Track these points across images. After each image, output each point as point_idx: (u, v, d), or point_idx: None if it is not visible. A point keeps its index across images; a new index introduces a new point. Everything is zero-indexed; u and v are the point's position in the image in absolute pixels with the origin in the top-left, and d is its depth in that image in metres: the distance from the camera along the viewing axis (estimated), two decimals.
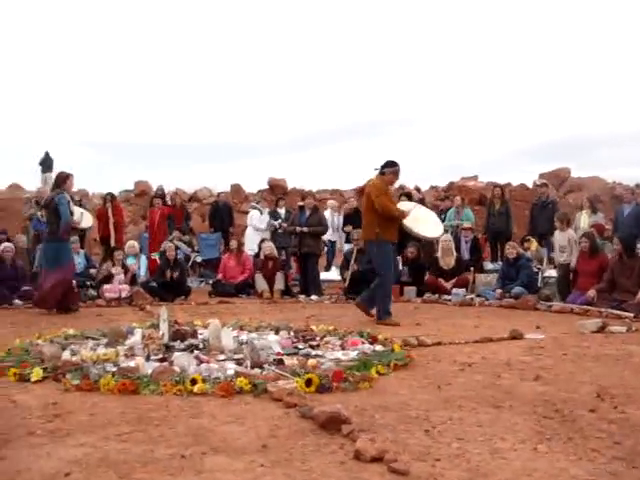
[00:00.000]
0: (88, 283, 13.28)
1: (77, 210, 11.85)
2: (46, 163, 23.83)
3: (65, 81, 66.61)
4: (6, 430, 3.85)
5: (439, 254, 13.01)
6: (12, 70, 64.47)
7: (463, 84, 69.91)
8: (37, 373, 5.19)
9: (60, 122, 58.63)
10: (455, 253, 13.08)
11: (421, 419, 4.00)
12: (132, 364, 5.34)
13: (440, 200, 18.72)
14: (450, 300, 11.66)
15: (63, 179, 10.75)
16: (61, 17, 68.31)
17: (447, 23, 69.86)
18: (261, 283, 12.98)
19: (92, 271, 13.84)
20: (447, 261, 12.88)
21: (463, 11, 66.84)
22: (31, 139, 47.56)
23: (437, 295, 12.19)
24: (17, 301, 11.92)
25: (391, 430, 3.76)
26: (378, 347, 6.29)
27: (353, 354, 5.94)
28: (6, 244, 12.91)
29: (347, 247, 14.82)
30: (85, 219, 12.18)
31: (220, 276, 13.91)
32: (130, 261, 13.58)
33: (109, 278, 12.86)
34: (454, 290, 12.04)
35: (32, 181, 25.61)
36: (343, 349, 6.25)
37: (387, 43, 68.66)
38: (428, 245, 13.76)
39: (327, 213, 15.98)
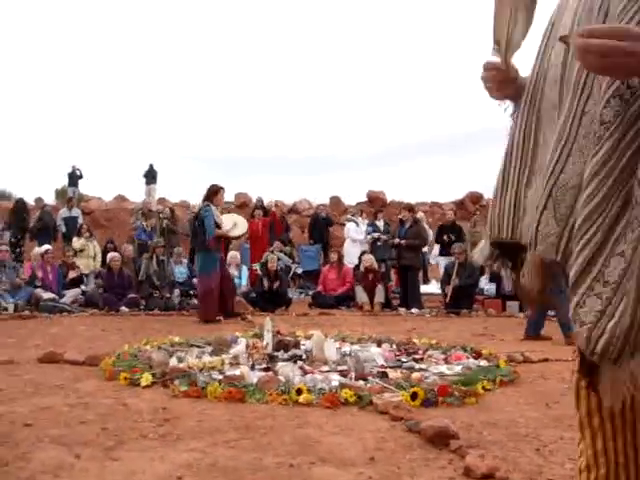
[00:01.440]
0: (191, 292, 13.61)
1: (229, 219, 11.99)
2: (150, 175, 24.62)
3: (170, 95, 68.66)
4: (120, 432, 3.97)
5: None
6: (121, 86, 66.93)
7: None
8: (147, 378, 5.34)
9: (164, 136, 60.34)
10: None
11: (531, 437, 3.91)
12: (237, 372, 5.41)
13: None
14: (555, 316, 11.33)
15: (214, 192, 11.03)
16: (167, 36, 70.42)
17: None
18: (361, 295, 12.97)
19: (194, 280, 14.17)
20: None
21: None
22: (136, 152, 49.10)
23: None
24: (124, 308, 12.33)
25: (500, 447, 3.69)
26: (482, 362, 6.19)
27: (457, 368, 5.86)
28: (114, 254, 13.39)
29: (444, 260, 14.69)
30: (238, 227, 12.18)
31: (320, 288, 13.98)
32: (232, 272, 13.82)
33: None
34: None
35: (137, 193, 26.45)
36: (447, 363, 6.18)
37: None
38: None
39: None
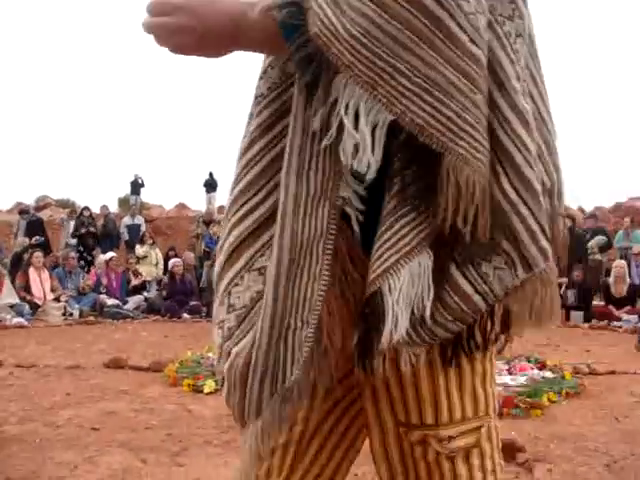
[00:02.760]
0: None
1: None
2: (210, 184, 24.90)
3: (228, 104, 69.41)
4: (184, 438, 4.01)
5: (611, 280, 12.38)
6: (181, 96, 67.94)
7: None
8: (210, 385, 5.38)
9: (223, 144, 61.04)
10: (628, 279, 12.41)
11: (600, 452, 3.81)
12: None
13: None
14: (621, 327, 11.08)
15: None
16: None
17: None
18: None
19: None
20: (619, 289, 12.19)
21: None
22: (196, 161, 49.79)
23: (606, 321, 11.62)
24: (186, 315, 12.47)
25: (568, 462, 3.61)
26: (547, 373, 6.07)
27: (521, 379, 5.76)
28: (176, 259, 13.56)
29: None
30: None
31: None
32: None
33: None
34: (625, 316, 11.45)
35: (197, 201, 26.82)
36: (510, 374, 6.07)
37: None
38: (594, 268, 13.18)
39: None
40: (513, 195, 1.10)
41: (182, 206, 28.34)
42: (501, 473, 1.28)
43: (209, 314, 12.73)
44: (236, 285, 1.21)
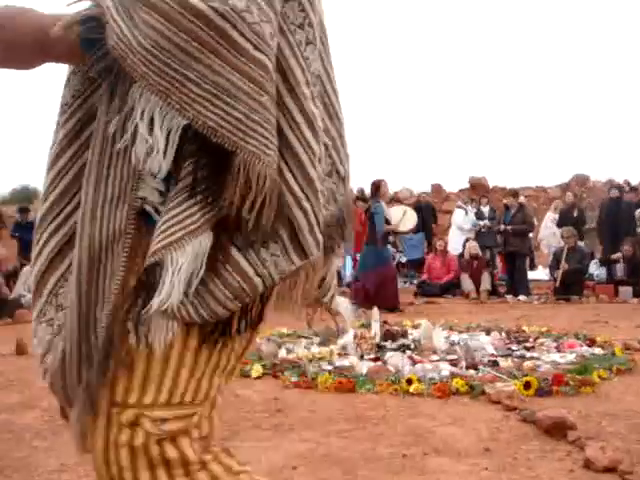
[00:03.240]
0: None
1: (397, 212, 11.80)
2: None
3: None
4: (233, 423, 4.04)
5: None
6: None
7: None
8: (257, 370, 5.41)
9: None
10: None
11: None
12: (347, 363, 5.43)
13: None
14: None
15: (376, 187, 11.08)
16: None
17: None
18: (467, 283, 12.77)
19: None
20: None
21: None
22: None
23: None
24: None
25: (621, 439, 3.55)
26: (597, 350, 6.00)
27: (571, 357, 5.70)
28: None
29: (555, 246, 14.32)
30: (407, 221, 11.88)
31: (425, 276, 13.86)
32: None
33: None
34: None
35: None
36: (559, 351, 6.02)
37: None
38: None
39: None
40: (297, 191, 1.22)
41: None
42: (213, 463, 1.31)
43: None
44: (61, 287, 1.32)
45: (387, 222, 10.94)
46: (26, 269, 11.48)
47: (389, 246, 15.85)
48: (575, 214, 15.52)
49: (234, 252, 1.20)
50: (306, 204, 1.23)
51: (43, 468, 3.16)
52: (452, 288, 13.18)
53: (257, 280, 1.20)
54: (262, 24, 1.14)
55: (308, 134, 1.24)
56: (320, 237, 1.25)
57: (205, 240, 1.16)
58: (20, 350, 6.61)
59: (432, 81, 71.54)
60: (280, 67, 1.21)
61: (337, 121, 1.38)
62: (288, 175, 1.22)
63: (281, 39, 1.21)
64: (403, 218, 11.57)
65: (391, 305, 10.53)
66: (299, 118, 1.23)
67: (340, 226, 1.35)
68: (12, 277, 11.84)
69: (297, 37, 1.25)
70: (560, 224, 15.10)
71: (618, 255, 12.37)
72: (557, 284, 12.16)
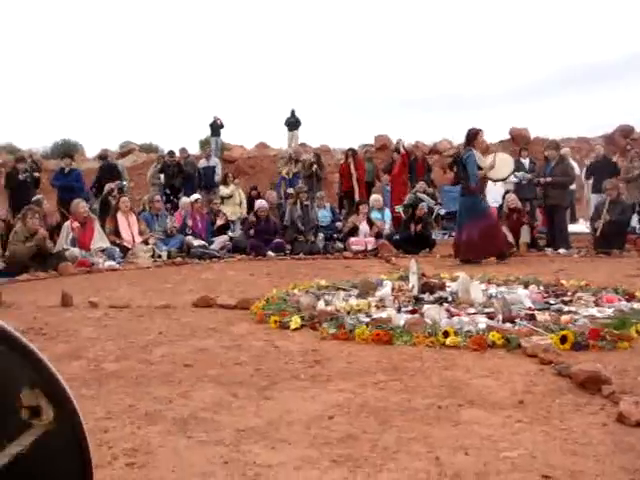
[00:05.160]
0: (335, 236, 13.83)
1: (489, 158, 11.45)
2: (294, 122, 24.88)
3: (305, 41, 68.80)
4: (272, 373, 4.13)
5: None
6: (256, 36, 67.62)
7: None
8: (296, 321, 5.50)
9: (302, 80, 60.77)
10: None
11: None
12: (384, 315, 5.48)
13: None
14: None
15: (474, 135, 11.10)
16: None
17: None
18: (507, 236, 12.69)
19: (338, 224, 14.38)
20: None
21: None
22: (274, 98, 49.75)
23: None
24: (270, 253, 12.69)
25: None
26: (636, 305, 5.95)
27: (609, 311, 5.68)
28: (260, 204, 13.76)
29: (595, 197, 14.13)
30: (503, 168, 11.28)
31: None
32: (375, 215, 13.89)
33: (354, 231, 13.29)
34: None
35: (278, 139, 26.94)
36: (597, 306, 5.99)
37: None
38: None
39: None
40: None
41: (263, 145, 28.55)
42: None
43: (293, 251, 12.96)
44: None
45: (480, 169, 10.83)
46: (67, 223, 11.70)
47: (427, 197, 15.81)
48: (608, 166, 15.25)
49: None
50: None
51: (91, 416, 3.27)
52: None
53: None
54: None
55: None
56: None
57: None
58: (65, 302, 6.79)
59: (471, 29, 70.27)
60: None
61: None
62: None
63: None
64: (497, 164, 11.13)
65: (497, 253, 10.66)
66: None
67: None
68: (55, 230, 12.07)
69: None
70: (590, 177, 14.90)
71: None
72: (597, 237, 12.03)
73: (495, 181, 12.06)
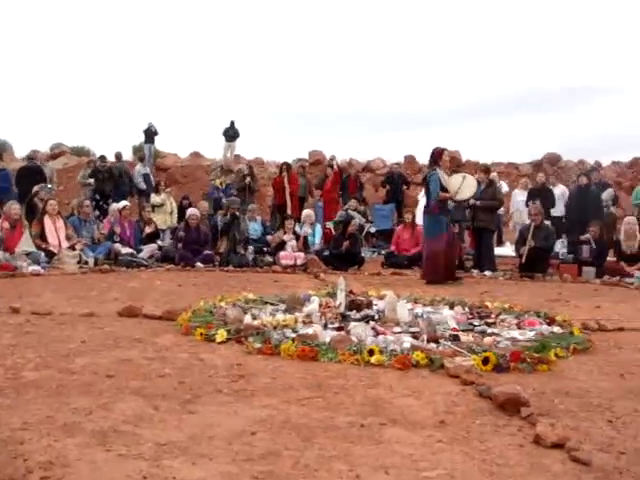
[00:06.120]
0: (265, 249, 13.80)
1: (457, 179, 11.27)
2: (231, 134, 24.76)
3: (244, 52, 68.78)
4: (196, 386, 4.10)
5: (622, 237, 12.40)
6: (194, 43, 67.30)
7: None
8: (222, 334, 5.46)
9: (239, 92, 60.62)
10: (639, 236, 12.37)
11: (603, 408, 3.86)
12: (310, 331, 5.49)
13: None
14: (632, 283, 11.08)
15: (438, 154, 11.02)
16: None
17: None
18: None
19: (268, 237, 14.37)
20: (630, 244, 12.22)
21: None
22: (211, 109, 49.51)
23: (618, 277, 11.63)
24: (199, 264, 12.57)
25: (572, 417, 3.66)
26: (556, 329, 6.10)
27: (530, 334, 5.81)
28: (192, 211, 13.64)
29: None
30: (465, 188, 11.06)
31: (393, 247, 13.95)
32: (303, 228, 13.91)
33: (282, 245, 13.28)
34: (637, 273, 11.47)
35: (212, 149, 26.78)
36: (519, 328, 6.12)
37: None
38: (610, 225, 13.16)
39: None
40: None
41: (197, 155, 28.37)
42: None
43: (222, 263, 12.86)
44: None
45: (445, 191, 10.75)
46: None
47: (358, 215, 15.93)
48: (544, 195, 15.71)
49: None
50: None
51: (6, 426, 3.18)
52: (420, 260, 13.26)
53: None
54: None
55: None
56: None
57: None
58: None
59: (408, 50, 71.34)
60: None
61: None
62: None
63: None
64: (462, 185, 11.09)
65: (439, 278, 10.52)
66: None
67: None
68: None
69: None
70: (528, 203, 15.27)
71: (587, 236, 12.56)
72: (522, 261, 12.31)
73: (455, 202, 12.14)
